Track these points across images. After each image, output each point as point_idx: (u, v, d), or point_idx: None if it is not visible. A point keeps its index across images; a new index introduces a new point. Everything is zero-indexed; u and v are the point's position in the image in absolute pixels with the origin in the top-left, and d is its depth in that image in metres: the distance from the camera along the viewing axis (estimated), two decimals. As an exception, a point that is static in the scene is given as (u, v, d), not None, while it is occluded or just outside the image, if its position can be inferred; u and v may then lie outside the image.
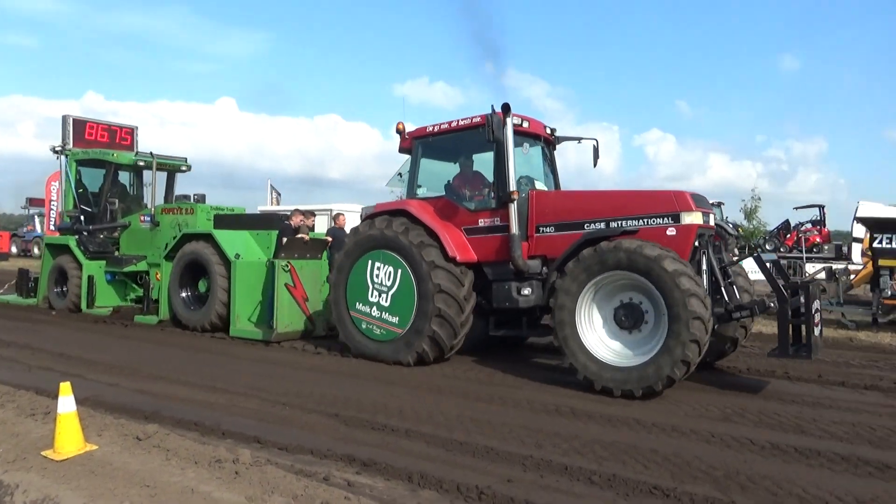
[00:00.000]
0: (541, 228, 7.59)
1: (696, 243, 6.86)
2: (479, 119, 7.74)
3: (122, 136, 14.39)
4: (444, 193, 8.33)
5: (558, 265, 6.92)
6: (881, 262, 11.61)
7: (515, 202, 7.37)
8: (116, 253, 12.81)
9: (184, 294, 10.99)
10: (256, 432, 5.11)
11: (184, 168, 13.70)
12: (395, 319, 7.87)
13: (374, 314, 8.04)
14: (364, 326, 8.14)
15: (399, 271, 7.77)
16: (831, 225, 31.34)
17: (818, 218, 30.78)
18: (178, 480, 3.76)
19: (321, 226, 16.37)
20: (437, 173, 8.80)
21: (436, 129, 8.32)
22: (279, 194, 28.04)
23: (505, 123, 7.34)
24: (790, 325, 6.43)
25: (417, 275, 7.61)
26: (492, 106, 7.37)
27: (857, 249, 20.79)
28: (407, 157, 8.87)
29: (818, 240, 29.45)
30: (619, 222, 7.01)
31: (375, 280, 7.99)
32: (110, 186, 13.02)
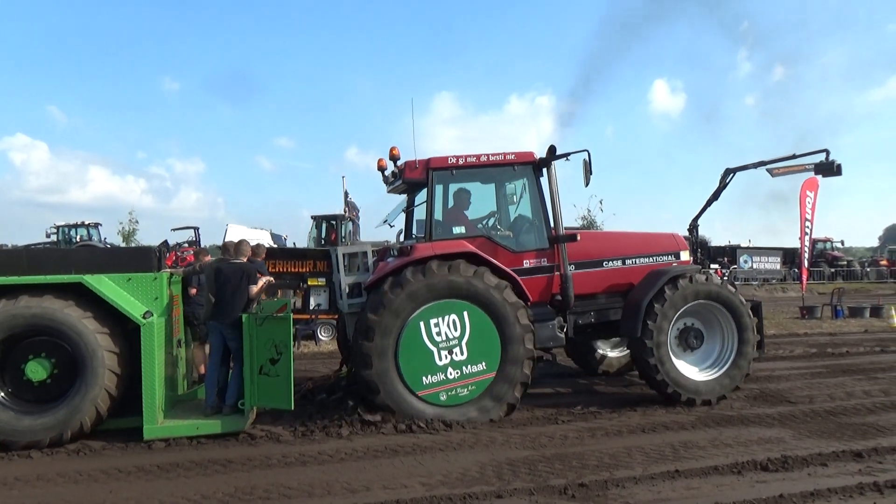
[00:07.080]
0: None
1: None
2: (512, 156, 7.83)
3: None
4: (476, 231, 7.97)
5: (650, 300, 7.48)
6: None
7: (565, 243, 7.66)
8: None
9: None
10: None
11: None
12: (482, 366, 7.12)
13: (452, 376, 7.06)
14: (444, 397, 7.03)
15: (465, 313, 7.08)
16: (210, 241, 34.62)
17: (194, 238, 33.60)
18: None
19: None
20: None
21: (462, 162, 7.82)
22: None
23: (551, 164, 7.69)
24: None
25: (499, 319, 7.11)
26: (552, 147, 7.64)
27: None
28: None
29: (193, 259, 32.07)
30: (634, 259, 8.26)
31: (437, 339, 7.04)
32: None
